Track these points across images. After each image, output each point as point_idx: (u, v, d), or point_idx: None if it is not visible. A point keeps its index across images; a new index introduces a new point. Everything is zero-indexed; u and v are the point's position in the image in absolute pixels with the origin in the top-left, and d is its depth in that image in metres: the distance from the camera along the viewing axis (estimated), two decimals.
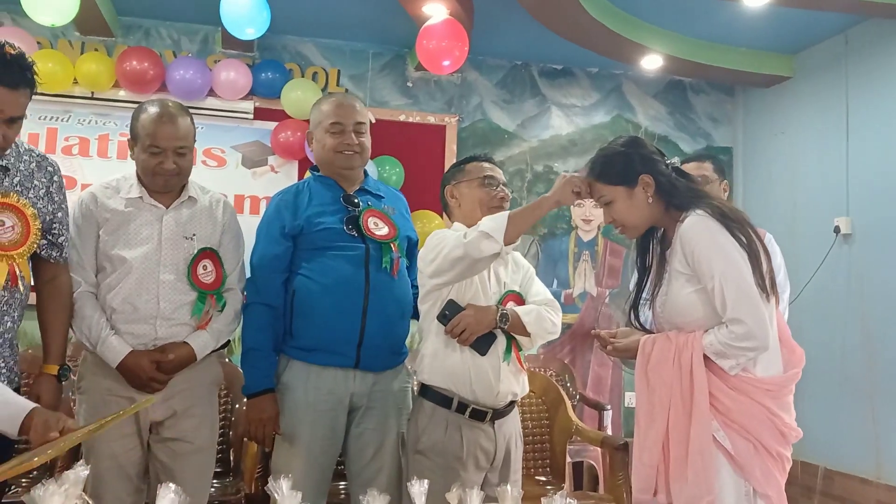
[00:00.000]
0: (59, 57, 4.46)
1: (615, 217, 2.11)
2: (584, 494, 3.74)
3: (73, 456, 2.67)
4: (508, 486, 1.44)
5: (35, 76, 2.12)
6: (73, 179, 4.53)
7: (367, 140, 2.60)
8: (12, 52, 2.04)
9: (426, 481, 1.45)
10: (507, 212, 2.28)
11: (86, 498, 1.32)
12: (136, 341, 2.37)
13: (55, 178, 2.31)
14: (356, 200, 2.54)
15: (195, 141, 2.51)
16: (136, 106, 4.40)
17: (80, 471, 1.31)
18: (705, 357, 1.94)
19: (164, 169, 2.39)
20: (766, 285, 1.94)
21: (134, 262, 2.37)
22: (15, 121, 2.10)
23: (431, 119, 5.12)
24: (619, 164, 2.09)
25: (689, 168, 2.90)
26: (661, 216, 2.10)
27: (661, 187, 2.05)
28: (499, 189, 2.52)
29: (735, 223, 1.97)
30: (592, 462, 4.25)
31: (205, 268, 2.44)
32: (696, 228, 1.97)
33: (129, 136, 2.47)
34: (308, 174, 2.70)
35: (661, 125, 5.57)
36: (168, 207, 2.46)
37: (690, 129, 5.57)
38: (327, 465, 2.47)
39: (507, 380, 2.40)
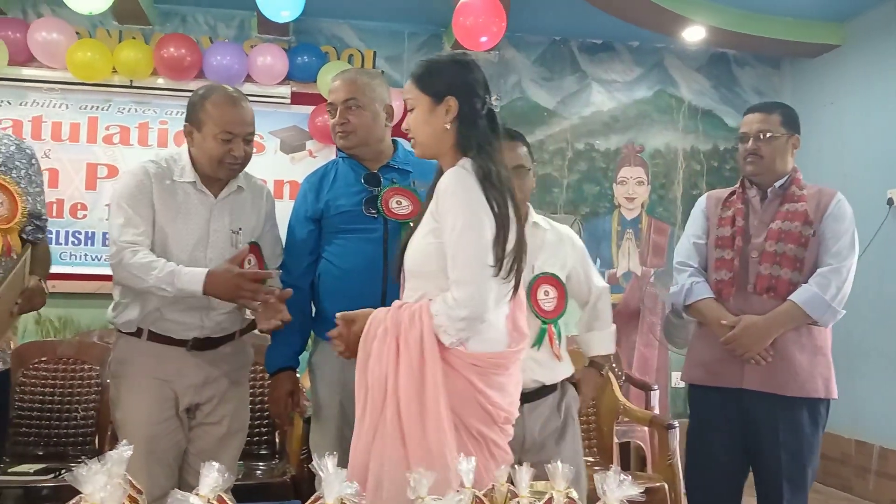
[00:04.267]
0: (97, 46, 4.49)
1: (410, 125, 1.96)
2: (634, 474, 3.68)
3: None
4: (559, 463, 1.40)
5: None
6: (114, 168, 4.59)
7: (356, 118, 2.48)
8: None
9: (473, 458, 1.41)
10: None
11: (129, 478, 1.30)
12: (181, 328, 2.37)
13: (33, 161, 2.35)
14: (380, 179, 2.49)
15: None
16: (174, 93, 4.58)
17: (124, 451, 1.29)
18: None
19: (233, 157, 2.34)
20: (504, 260, 1.81)
21: (181, 255, 2.33)
22: None
23: None
24: (434, 74, 1.93)
25: (753, 120, 2.65)
26: (447, 150, 1.93)
27: (461, 120, 1.89)
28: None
29: (495, 189, 1.82)
30: (640, 442, 4.18)
31: (249, 262, 2.40)
32: (453, 181, 1.83)
33: (188, 124, 2.39)
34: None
35: (705, 99, 5.45)
36: (217, 197, 2.42)
37: (736, 103, 5.43)
38: None
39: (531, 368, 2.31)
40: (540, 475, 1.46)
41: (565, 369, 2.44)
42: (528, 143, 2.48)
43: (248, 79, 4.65)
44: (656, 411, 4.13)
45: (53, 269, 2.48)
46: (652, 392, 4.24)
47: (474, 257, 1.77)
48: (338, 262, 2.43)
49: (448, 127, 1.90)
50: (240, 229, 2.44)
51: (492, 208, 1.80)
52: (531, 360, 2.32)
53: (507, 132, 2.42)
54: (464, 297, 1.75)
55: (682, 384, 2.82)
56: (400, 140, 2.58)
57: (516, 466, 1.40)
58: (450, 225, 1.80)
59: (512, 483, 1.43)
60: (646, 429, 4.03)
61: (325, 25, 4.96)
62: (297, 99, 4.78)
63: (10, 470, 3.05)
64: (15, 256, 2.19)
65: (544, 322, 2.35)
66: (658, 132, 5.39)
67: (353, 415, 2.36)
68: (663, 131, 5.40)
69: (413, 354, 1.76)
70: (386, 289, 2.38)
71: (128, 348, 2.42)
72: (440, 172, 1.94)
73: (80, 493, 1.19)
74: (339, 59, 4.89)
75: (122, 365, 2.42)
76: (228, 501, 1.30)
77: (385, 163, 2.54)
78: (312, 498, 1.32)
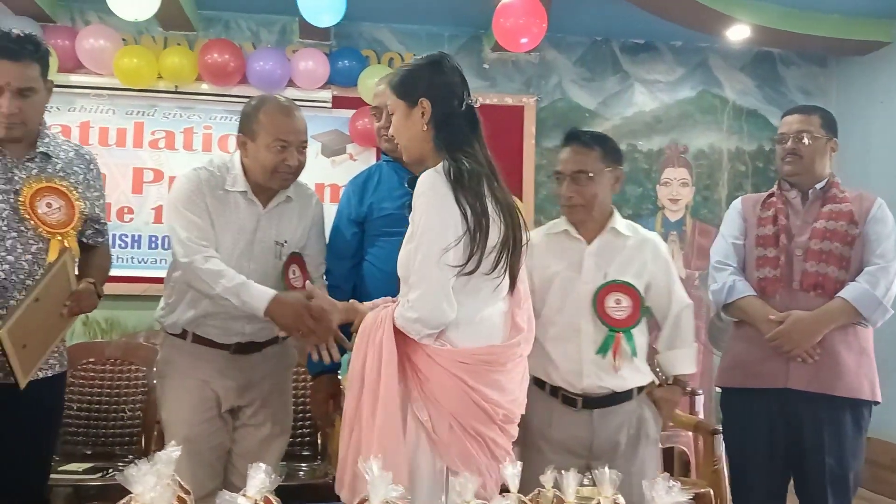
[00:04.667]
0: (143, 52, 4.57)
1: (392, 131, 1.99)
2: (679, 480, 3.62)
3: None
4: (607, 469, 1.38)
5: (46, 54, 2.25)
6: (160, 172, 4.67)
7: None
8: (20, 34, 2.17)
9: (520, 464, 1.40)
10: None
11: (178, 479, 1.31)
12: (224, 333, 2.39)
13: (92, 166, 2.41)
14: None
15: None
16: (218, 98, 4.64)
17: (172, 451, 1.31)
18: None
19: (288, 165, 2.33)
20: (482, 257, 1.80)
21: (227, 263, 2.30)
22: (27, 95, 2.19)
23: (509, 100, 5.04)
24: (407, 78, 1.94)
25: (793, 120, 2.66)
26: (428, 153, 1.93)
27: (436, 120, 1.89)
28: (564, 187, 2.40)
29: (465, 189, 1.81)
30: (683, 448, 4.12)
31: (293, 272, 2.41)
32: (423, 184, 1.83)
33: (241, 134, 2.37)
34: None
35: (749, 99, 5.36)
36: (265, 207, 2.41)
37: (781, 103, 5.32)
38: None
39: (595, 373, 2.32)
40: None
41: (638, 378, 2.40)
42: (603, 146, 2.42)
43: (291, 83, 4.69)
44: (701, 416, 4.07)
45: None
46: (696, 397, 4.18)
47: (429, 260, 1.78)
48: (380, 265, 2.43)
49: (426, 129, 1.91)
50: (285, 241, 2.44)
51: (462, 209, 1.79)
52: (594, 365, 2.32)
53: (575, 136, 2.44)
54: (415, 298, 1.78)
55: None
56: None
57: (563, 472, 1.39)
58: (415, 228, 1.83)
59: (558, 488, 1.42)
60: (689, 434, 3.97)
61: (366, 29, 4.98)
62: (338, 103, 4.81)
63: (59, 468, 3.10)
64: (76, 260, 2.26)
65: (612, 330, 2.32)
66: (702, 133, 5.32)
67: None
68: (707, 132, 5.32)
69: (375, 357, 1.80)
70: None
71: (173, 349, 2.45)
72: None
73: (129, 492, 1.21)
74: (379, 62, 4.91)
75: (167, 365, 2.46)
76: (275, 502, 1.31)
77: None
78: (358, 500, 1.32)
